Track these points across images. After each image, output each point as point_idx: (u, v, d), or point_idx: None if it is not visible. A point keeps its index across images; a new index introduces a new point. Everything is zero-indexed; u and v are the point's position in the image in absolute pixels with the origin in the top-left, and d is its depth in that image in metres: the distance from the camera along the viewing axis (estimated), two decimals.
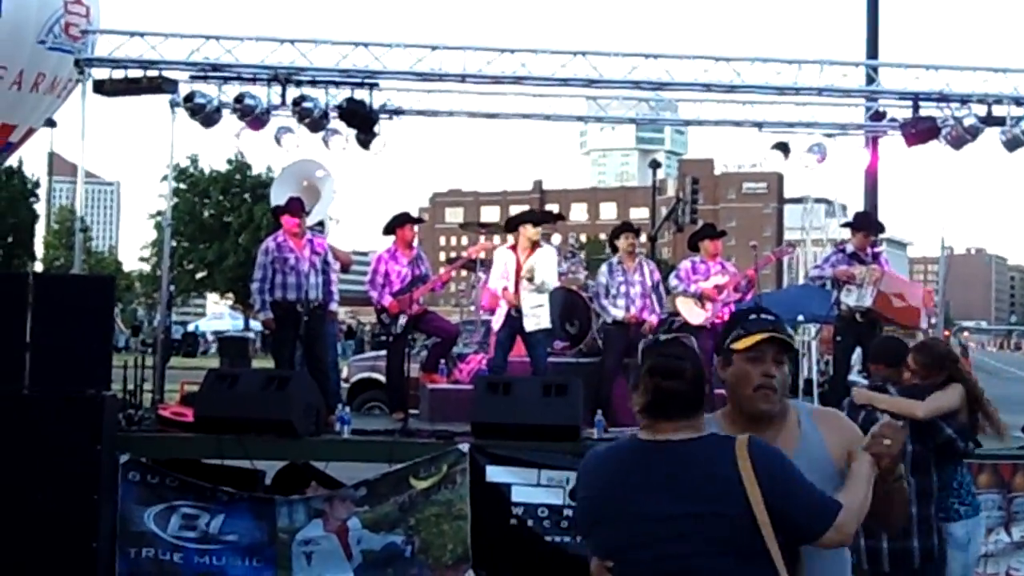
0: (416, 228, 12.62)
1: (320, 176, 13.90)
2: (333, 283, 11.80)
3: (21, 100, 16.94)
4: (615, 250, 12.92)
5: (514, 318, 11.87)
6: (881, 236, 14.14)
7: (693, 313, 12.54)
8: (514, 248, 12.08)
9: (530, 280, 11.81)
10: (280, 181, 15.04)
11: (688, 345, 3.69)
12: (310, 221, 12.87)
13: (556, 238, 15.13)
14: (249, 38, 12.31)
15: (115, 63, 11.99)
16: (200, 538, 9.53)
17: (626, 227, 13.07)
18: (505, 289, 11.89)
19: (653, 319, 12.39)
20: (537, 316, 11.89)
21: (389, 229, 12.37)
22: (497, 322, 12.12)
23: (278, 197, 13.14)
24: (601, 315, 12.76)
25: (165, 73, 12.07)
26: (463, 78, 12.58)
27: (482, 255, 14.37)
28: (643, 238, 13.26)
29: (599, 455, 3.73)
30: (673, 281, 12.87)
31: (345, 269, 13.12)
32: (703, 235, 13.19)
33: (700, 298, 12.56)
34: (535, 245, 12.07)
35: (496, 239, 15.65)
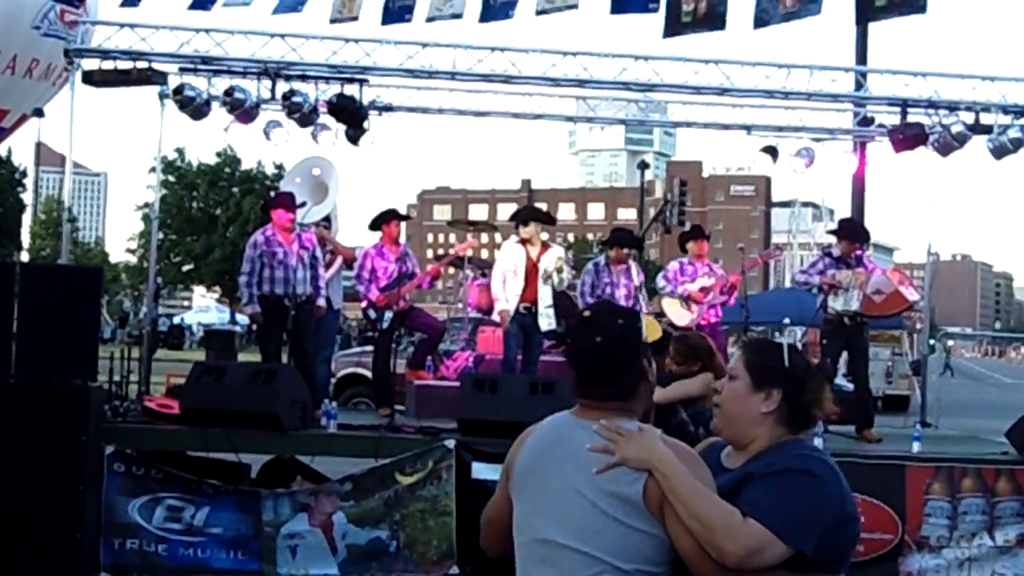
0: (402, 224, 12.64)
1: (328, 173, 13.91)
2: (320, 278, 11.80)
3: (14, 85, 16.92)
4: (607, 247, 12.94)
5: (523, 314, 11.91)
6: (868, 243, 14.17)
7: (679, 315, 12.58)
8: (523, 243, 12.12)
9: (559, 271, 11.94)
10: (289, 178, 15.05)
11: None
12: (317, 216, 12.88)
13: (543, 237, 15.13)
14: (240, 32, 12.30)
15: (105, 54, 11.97)
16: (185, 530, 9.56)
17: (630, 240, 13.06)
18: (503, 311, 11.99)
19: None
20: (549, 316, 11.97)
21: (375, 225, 12.40)
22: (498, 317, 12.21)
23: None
24: None
25: (155, 65, 12.05)
26: (453, 76, 12.60)
27: (469, 253, 14.39)
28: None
29: None
30: (660, 282, 12.90)
31: (348, 264, 13.14)
32: (690, 236, 13.24)
33: (686, 300, 12.59)
34: (544, 242, 12.16)
35: (484, 237, 15.67)
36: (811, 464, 3.29)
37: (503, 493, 3.53)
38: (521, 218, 12.46)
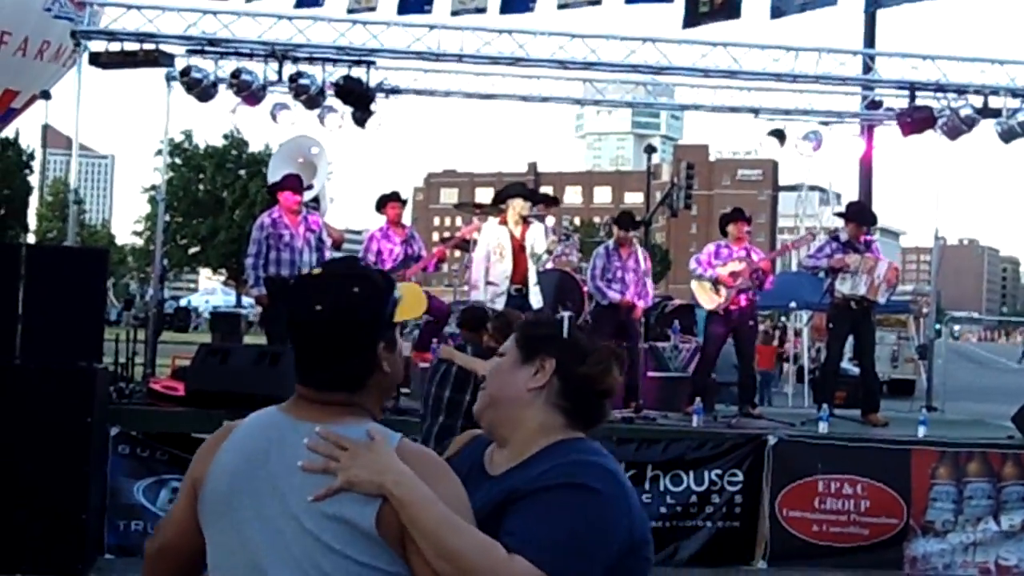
0: (400, 207, 12.61)
1: (316, 153, 13.90)
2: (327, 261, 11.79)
3: (25, 66, 16.89)
4: (615, 224, 12.91)
5: (514, 295, 11.81)
6: (874, 226, 14.13)
7: (708, 298, 12.42)
8: (504, 223, 12.01)
9: (550, 253, 11.87)
10: (277, 158, 15.03)
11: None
12: (305, 197, 12.88)
13: (550, 220, 15.08)
14: (246, 13, 12.27)
15: (111, 35, 11.95)
16: None
17: (631, 221, 12.99)
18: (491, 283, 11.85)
19: (642, 304, 12.39)
20: (537, 294, 11.91)
21: (379, 207, 12.46)
22: (485, 298, 12.02)
23: (276, 174, 13.13)
24: (595, 296, 12.73)
25: (162, 47, 12.04)
26: (461, 58, 12.56)
27: (476, 235, 14.36)
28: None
29: None
30: (692, 264, 12.70)
31: (337, 246, 13.13)
32: (729, 219, 12.89)
33: (715, 283, 12.39)
34: (525, 219, 12.03)
35: (490, 220, 15.65)
36: (591, 476, 2.58)
37: (187, 514, 2.66)
38: (500, 198, 12.38)
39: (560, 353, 2.74)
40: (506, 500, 2.55)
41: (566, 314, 2.86)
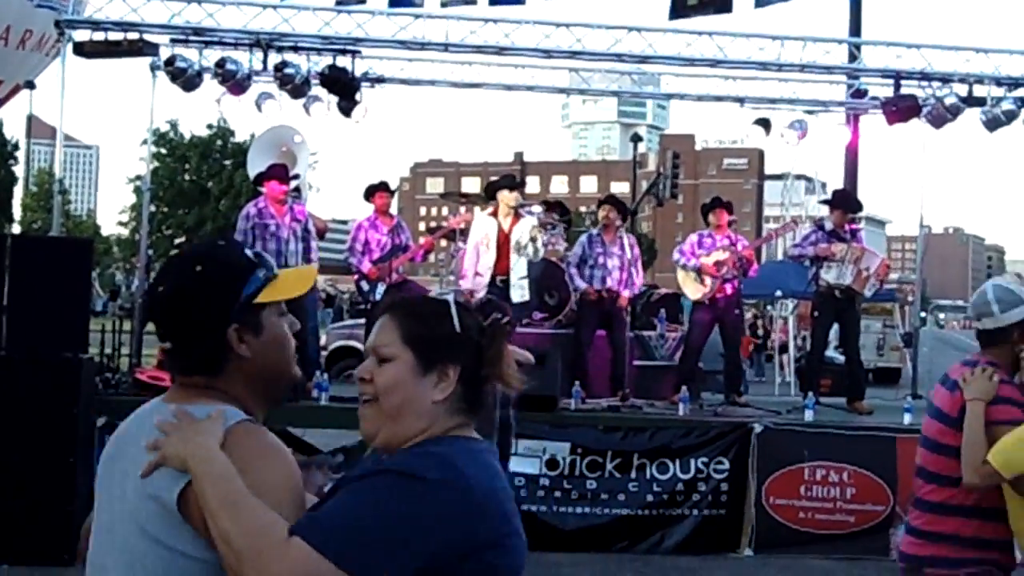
0: (388, 196, 12.60)
1: (297, 142, 13.87)
2: (313, 251, 11.77)
3: (8, 56, 16.78)
4: (601, 205, 12.94)
5: (498, 287, 11.82)
6: (860, 214, 14.16)
7: (693, 288, 12.45)
8: (495, 215, 12.05)
9: (534, 240, 11.87)
10: (257, 148, 14.98)
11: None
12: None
13: (536, 209, 15.10)
14: (231, 2, 12.22)
15: (95, 24, 11.89)
16: None
17: (607, 199, 13.05)
18: (468, 291, 11.82)
19: (627, 293, 12.36)
20: (523, 288, 11.91)
21: (367, 196, 12.45)
22: (470, 287, 12.03)
23: (256, 164, 13.09)
24: (568, 282, 12.79)
25: (146, 36, 11.97)
26: (446, 47, 12.54)
27: (463, 226, 14.37)
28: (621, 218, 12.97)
29: None
30: (675, 255, 12.75)
31: (320, 236, 13.12)
32: (710, 208, 12.92)
33: (699, 273, 12.40)
34: (516, 212, 12.06)
35: (477, 210, 15.66)
36: (425, 465, 2.28)
37: None
38: (489, 191, 12.43)
39: (463, 358, 2.44)
40: (334, 487, 2.34)
41: (449, 296, 2.56)
